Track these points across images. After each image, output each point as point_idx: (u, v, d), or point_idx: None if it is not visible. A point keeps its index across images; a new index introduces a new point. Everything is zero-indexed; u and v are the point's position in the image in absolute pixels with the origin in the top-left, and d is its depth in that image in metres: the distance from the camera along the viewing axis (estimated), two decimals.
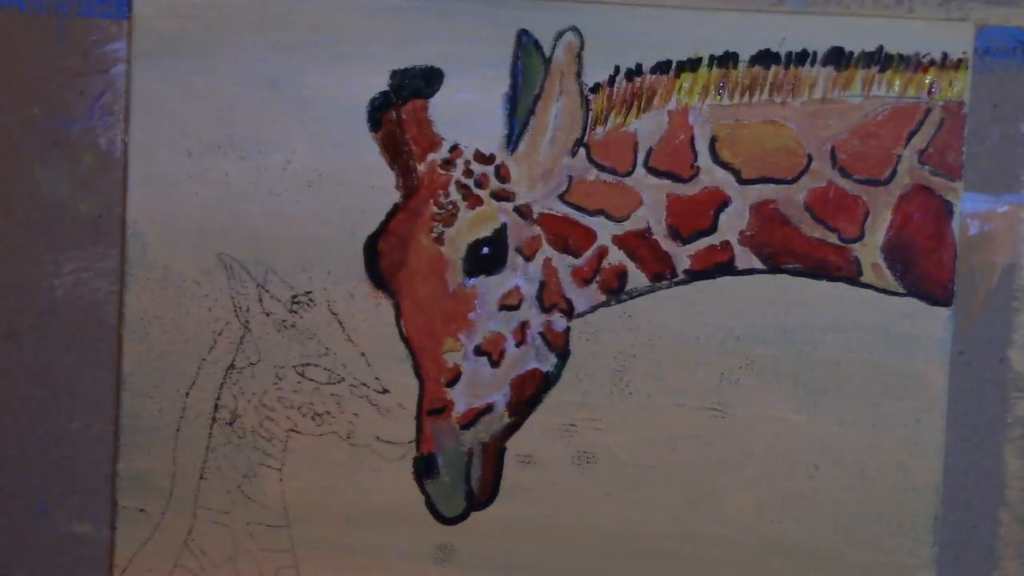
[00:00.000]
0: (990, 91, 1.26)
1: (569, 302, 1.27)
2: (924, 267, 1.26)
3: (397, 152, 1.27)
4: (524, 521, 1.29)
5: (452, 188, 1.26)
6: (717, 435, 1.28)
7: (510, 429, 1.28)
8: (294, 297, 1.28)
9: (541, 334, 1.27)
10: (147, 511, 1.30)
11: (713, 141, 1.26)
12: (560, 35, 1.25)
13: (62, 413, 1.31)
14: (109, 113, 1.29)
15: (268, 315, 1.28)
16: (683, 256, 1.27)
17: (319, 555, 1.30)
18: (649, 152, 1.26)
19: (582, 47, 1.25)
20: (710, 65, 1.25)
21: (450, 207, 1.27)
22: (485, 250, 1.26)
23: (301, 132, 1.27)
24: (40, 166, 1.29)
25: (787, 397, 1.27)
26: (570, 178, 1.26)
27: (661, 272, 1.27)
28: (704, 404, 1.28)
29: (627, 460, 1.28)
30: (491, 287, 1.27)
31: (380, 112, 1.27)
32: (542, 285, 1.27)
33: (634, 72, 1.26)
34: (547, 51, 1.25)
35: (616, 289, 1.27)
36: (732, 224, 1.26)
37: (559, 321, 1.27)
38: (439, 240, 1.27)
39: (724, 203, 1.26)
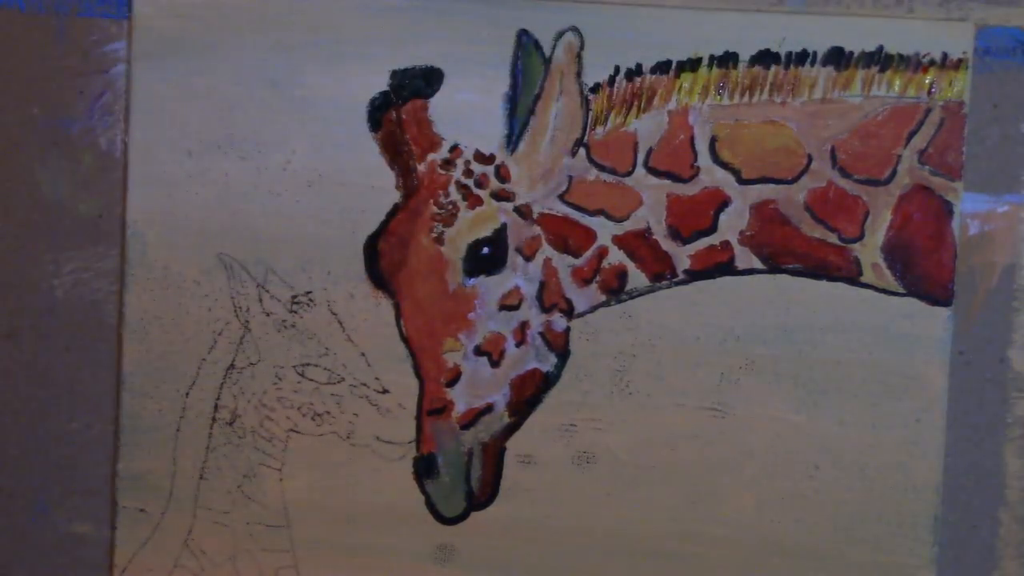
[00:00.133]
0: (990, 91, 1.26)
1: (569, 302, 1.27)
2: (924, 267, 1.26)
3: (397, 152, 1.27)
4: (524, 521, 1.29)
5: (452, 188, 1.26)
6: (717, 435, 1.28)
7: (510, 429, 1.28)
8: (294, 297, 1.28)
9: (541, 334, 1.27)
10: (147, 511, 1.30)
11: (713, 141, 1.26)
12: (560, 35, 1.25)
13: (62, 413, 1.31)
14: (109, 113, 1.29)
15: (268, 315, 1.28)
16: (683, 256, 1.27)
17: (319, 555, 1.30)
18: (649, 152, 1.26)
19: (582, 47, 1.25)
20: (710, 65, 1.25)
21: (450, 207, 1.27)
22: (485, 250, 1.26)
23: (301, 132, 1.27)
24: (40, 166, 1.29)
25: (787, 397, 1.27)
26: (570, 178, 1.26)
27: (661, 272, 1.27)
28: (704, 404, 1.28)
29: (627, 460, 1.28)
30: (491, 287, 1.27)
31: (380, 112, 1.27)
32: (542, 285, 1.27)
33: (634, 72, 1.26)
34: (547, 51, 1.25)
35: (616, 289, 1.27)
36: (732, 224, 1.26)
37: (559, 321, 1.27)
38: (439, 240, 1.27)
39: (724, 203, 1.26)
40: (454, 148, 1.27)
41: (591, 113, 1.26)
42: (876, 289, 1.26)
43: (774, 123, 1.26)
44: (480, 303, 1.27)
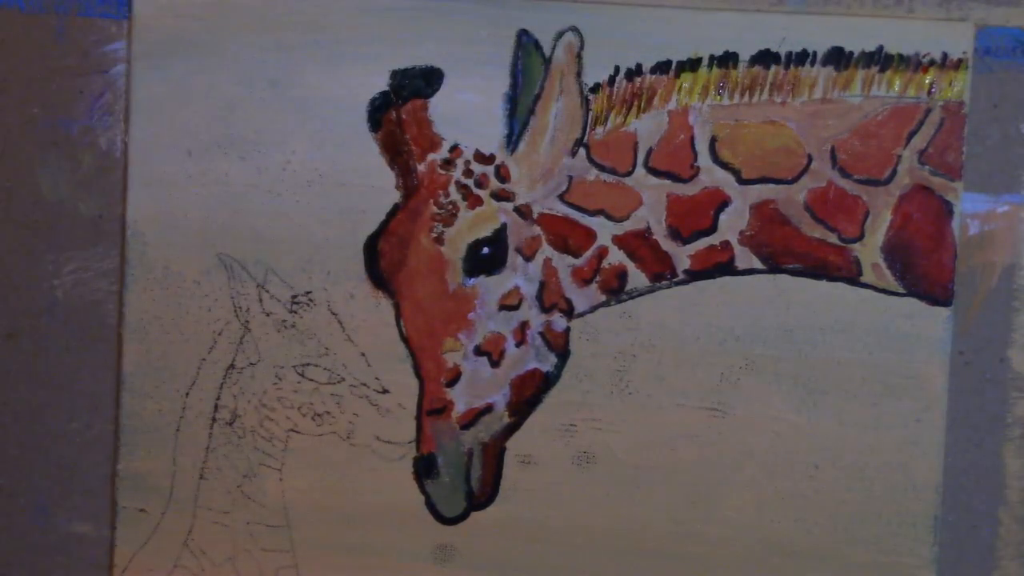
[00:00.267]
0: (990, 91, 1.26)
1: (569, 302, 1.27)
2: (924, 267, 1.26)
3: (397, 152, 1.27)
4: (524, 521, 1.29)
5: (452, 188, 1.26)
6: (717, 435, 1.28)
7: (510, 429, 1.28)
8: (294, 297, 1.28)
9: (541, 334, 1.27)
10: (147, 511, 1.30)
11: (713, 141, 1.26)
12: (560, 35, 1.25)
13: (62, 413, 1.31)
14: (109, 113, 1.29)
15: (268, 315, 1.28)
16: (683, 256, 1.27)
17: (319, 555, 1.30)
18: (649, 152, 1.26)
19: (582, 47, 1.25)
20: (710, 65, 1.25)
21: (450, 207, 1.27)
22: (485, 250, 1.26)
23: (301, 132, 1.27)
24: (40, 166, 1.29)
25: (787, 397, 1.27)
26: (570, 178, 1.26)
27: (661, 272, 1.27)
28: (704, 404, 1.28)
29: (627, 460, 1.28)
30: (491, 287, 1.27)
31: (380, 112, 1.27)
32: (542, 285, 1.27)
33: (634, 72, 1.26)
34: (547, 51, 1.25)
35: (616, 289, 1.27)
36: (732, 224, 1.26)
37: (559, 321, 1.27)
38: (439, 240, 1.27)
39: (724, 203, 1.26)
40: (454, 148, 1.27)
41: (591, 113, 1.26)
42: (876, 289, 1.26)
43: (774, 123, 1.26)
44: (480, 303, 1.27)
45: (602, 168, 1.26)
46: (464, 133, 1.26)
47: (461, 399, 1.27)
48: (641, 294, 1.27)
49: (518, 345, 1.27)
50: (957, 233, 1.26)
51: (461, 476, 1.28)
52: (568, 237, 1.27)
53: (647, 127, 1.26)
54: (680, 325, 1.27)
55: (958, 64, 1.25)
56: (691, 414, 1.28)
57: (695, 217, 1.26)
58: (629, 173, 1.26)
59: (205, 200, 1.28)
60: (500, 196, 1.26)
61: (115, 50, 1.28)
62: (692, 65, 1.25)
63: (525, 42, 1.25)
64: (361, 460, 1.29)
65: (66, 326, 1.30)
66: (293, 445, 1.29)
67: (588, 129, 1.26)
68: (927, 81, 1.25)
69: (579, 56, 1.25)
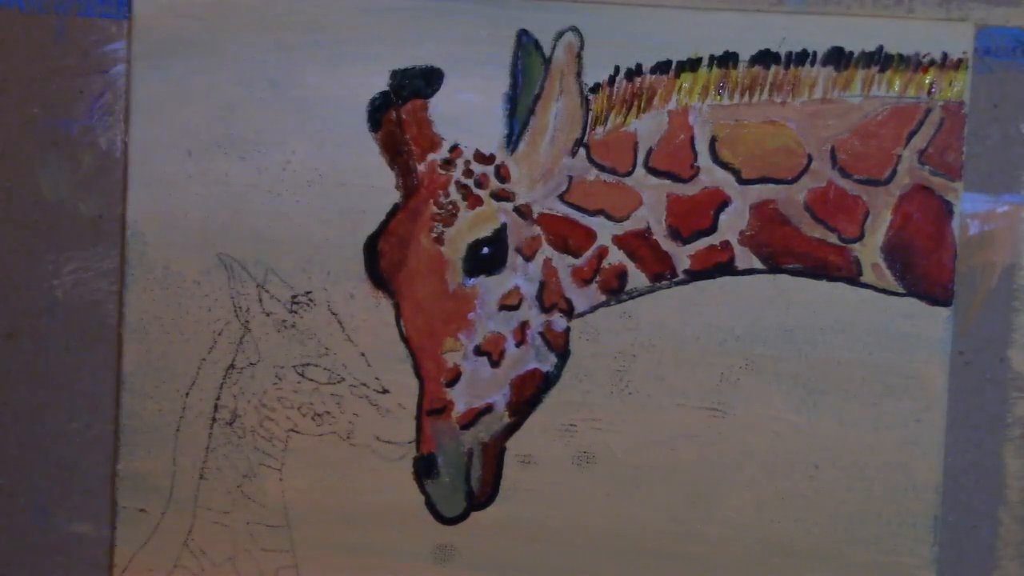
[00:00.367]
0: (990, 91, 1.26)
1: (569, 302, 1.27)
2: (924, 267, 1.26)
3: (397, 152, 1.27)
4: (524, 521, 1.29)
5: (452, 188, 1.26)
6: (717, 435, 1.28)
7: (510, 429, 1.28)
8: (294, 297, 1.28)
9: (541, 334, 1.27)
10: (147, 511, 1.30)
11: (713, 141, 1.26)
12: (560, 35, 1.25)
13: (62, 413, 1.31)
14: (109, 113, 1.29)
15: (268, 315, 1.28)
16: (683, 256, 1.27)
17: (319, 555, 1.30)
18: (649, 152, 1.26)
19: (582, 47, 1.25)
20: (710, 65, 1.25)
21: (450, 207, 1.27)
22: (485, 250, 1.26)
23: (301, 132, 1.27)
24: (40, 166, 1.29)
25: (787, 397, 1.27)
26: (570, 178, 1.26)
27: (661, 272, 1.27)
28: (704, 404, 1.28)
29: (627, 460, 1.28)
30: (491, 287, 1.27)
31: (380, 112, 1.27)
32: (542, 285, 1.27)
33: (634, 72, 1.26)
34: (547, 51, 1.25)
35: (616, 289, 1.27)
36: (732, 224, 1.26)
37: (559, 321, 1.27)
38: (439, 240, 1.27)
39: (724, 203, 1.26)
40: (454, 148, 1.27)
41: (591, 113, 1.26)
42: (876, 289, 1.26)
43: (774, 123, 1.26)
44: (480, 303, 1.27)
45: (602, 168, 1.26)
46: (464, 133, 1.26)
47: (461, 399, 1.27)
48: (641, 294, 1.27)
49: (518, 345, 1.27)
50: (957, 233, 1.26)
51: (461, 476, 1.28)
52: (568, 237, 1.27)
53: (647, 127, 1.26)
54: (680, 325, 1.27)
55: (958, 64, 1.25)
56: (691, 414, 1.28)
57: (695, 217, 1.26)
58: (629, 173, 1.26)
59: (205, 200, 1.28)
60: (500, 196, 1.26)
61: (115, 50, 1.28)
62: (692, 65, 1.25)
63: (525, 42, 1.25)
64: (361, 460, 1.29)
65: (66, 326, 1.30)
66: (293, 445, 1.29)
67: (588, 129, 1.26)
68: (927, 81, 1.25)
69: (579, 56, 1.25)
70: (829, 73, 1.25)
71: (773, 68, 1.25)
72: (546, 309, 1.27)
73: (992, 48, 1.26)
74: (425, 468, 1.28)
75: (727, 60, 1.25)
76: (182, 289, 1.28)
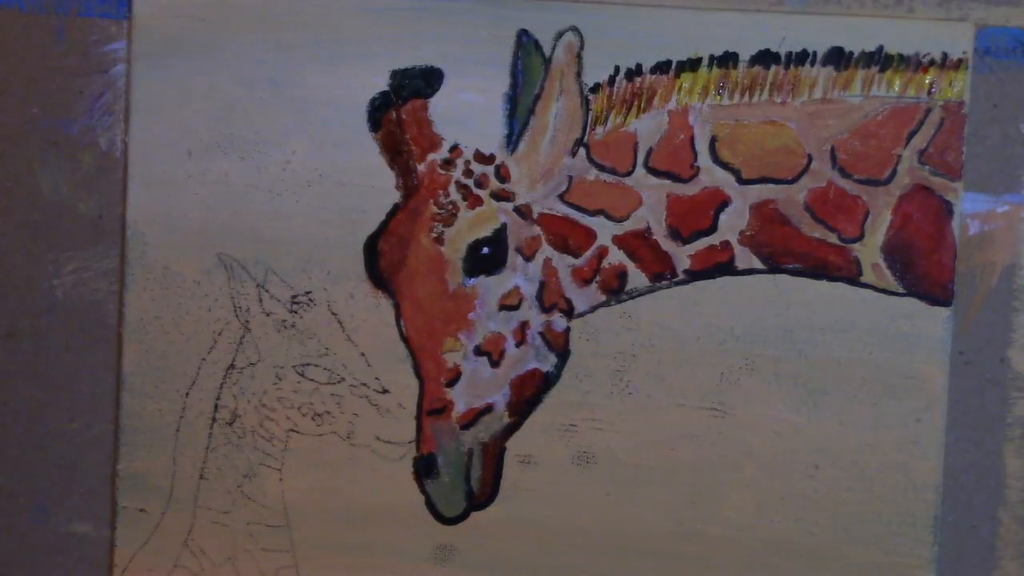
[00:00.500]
0: (990, 91, 1.26)
1: (569, 302, 1.27)
2: (924, 267, 1.26)
3: (397, 152, 1.27)
4: (524, 521, 1.29)
5: (452, 188, 1.26)
6: (717, 435, 1.28)
7: (510, 429, 1.28)
8: (294, 297, 1.28)
9: (541, 334, 1.27)
10: (147, 511, 1.30)
11: (713, 141, 1.26)
12: (560, 35, 1.25)
13: (62, 413, 1.31)
14: (109, 113, 1.29)
15: (268, 315, 1.28)
16: (683, 256, 1.27)
17: (319, 555, 1.30)
18: (649, 152, 1.26)
19: (582, 47, 1.25)
20: (710, 65, 1.25)
21: (450, 207, 1.27)
22: (485, 250, 1.26)
23: (301, 132, 1.27)
24: (40, 166, 1.29)
25: (787, 397, 1.27)
26: (570, 178, 1.26)
27: (661, 272, 1.27)
28: (704, 404, 1.28)
29: (627, 460, 1.28)
30: (491, 287, 1.27)
31: (380, 112, 1.27)
32: (542, 285, 1.27)
33: (634, 72, 1.26)
34: (547, 51, 1.25)
35: (616, 289, 1.27)
36: (732, 224, 1.26)
37: (559, 321, 1.27)
38: (439, 240, 1.27)
39: (724, 203, 1.26)
40: (454, 148, 1.27)
41: (591, 113, 1.26)
42: (876, 289, 1.26)
43: (774, 123, 1.26)
44: (480, 303, 1.27)
45: (602, 168, 1.26)
46: (464, 133, 1.26)
47: (461, 399, 1.27)
48: (641, 294, 1.27)
49: (518, 345, 1.27)
50: (957, 233, 1.26)
51: (461, 476, 1.28)
52: (568, 237, 1.27)
53: (647, 127, 1.26)
54: (680, 325, 1.27)
55: (958, 64, 1.25)
56: (691, 414, 1.28)
57: (695, 217, 1.26)
58: (629, 173, 1.26)
59: (205, 200, 1.28)
60: (500, 196, 1.26)
61: (115, 50, 1.28)
62: (692, 65, 1.25)
63: (525, 42, 1.25)
64: (361, 460, 1.29)
65: (66, 326, 1.30)
66: (293, 445, 1.29)
67: (588, 129, 1.26)
68: (927, 81, 1.25)
69: (579, 56, 1.25)
70: (829, 73, 1.25)
71: (773, 68, 1.25)
72: (546, 309, 1.27)
73: (992, 48, 1.26)
74: (425, 468, 1.28)
75: (727, 60, 1.25)
76: (182, 289, 1.28)
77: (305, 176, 1.27)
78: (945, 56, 1.25)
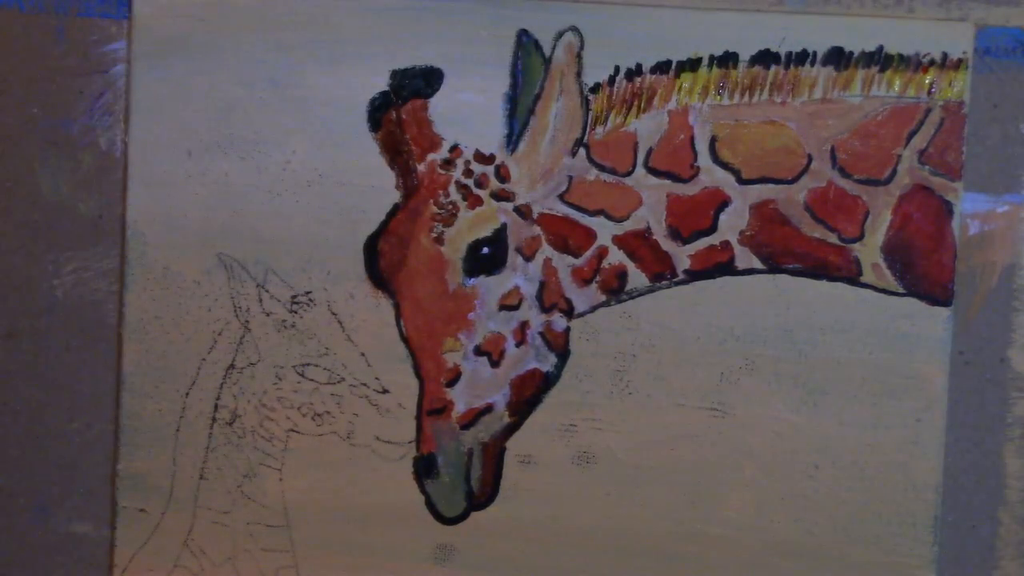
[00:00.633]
0: (990, 91, 1.26)
1: (569, 302, 1.27)
2: (924, 267, 1.26)
3: (397, 152, 1.27)
4: (524, 521, 1.29)
5: (452, 188, 1.26)
6: (717, 435, 1.28)
7: (510, 429, 1.28)
8: (294, 297, 1.28)
9: (541, 334, 1.27)
10: (147, 511, 1.30)
11: (713, 141, 1.26)
12: (560, 35, 1.25)
13: (62, 413, 1.31)
14: (109, 113, 1.29)
15: (268, 315, 1.28)
16: (683, 256, 1.27)
17: (319, 555, 1.30)
18: (649, 152, 1.26)
19: (582, 47, 1.25)
20: (710, 65, 1.25)
21: (450, 207, 1.27)
22: (485, 250, 1.26)
23: (301, 132, 1.27)
24: (40, 166, 1.29)
25: (787, 397, 1.27)
26: (570, 178, 1.26)
27: (661, 272, 1.27)
28: (704, 404, 1.28)
29: (627, 460, 1.28)
30: (491, 287, 1.27)
31: (380, 112, 1.27)
32: (542, 285, 1.27)
33: (634, 72, 1.26)
34: (547, 51, 1.25)
35: (616, 289, 1.27)
36: (732, 224, 1.26)
37: (559, 321, 1.27)
38: (439, 240, 1.27)
39: (724, 203, 1.26)
40: (454, 148, 1.27)
41: (591, 113, 1.26)
42: (876, 289, 1.26)
43: (774, 123, 1.26)
44: (480, 303, 1.27)
45: (602, 168, 1.26)
46: (464, 133, 1.26)
47: (461, 399, 1.27)
48: (641, 294, 1.27)
49: (518, 345, 1.27)
50: (957, 233, 1.26)
51: (461, 476, 1.28)
52: (568, 237, 1.27)
53: (647, 127, 1.26)
54: (680, 325, 1.27)
55: (958, 64, 1.25)
56: (691, 414, 1.28)
57: (695, 217, 1.26)
58: (629, 173, 1.26)
59: (205, 200, 1.28)
60: (500, 196, 1.26)
61: (115, 50, 1.28)
62: (692, 65, 1.25)
63: (525, 42, 1.25)
64: (361, 460, 1.29)
65: (66, 326, 1.30)
66: (293, 445, 1.29)
67: (588, 129, 1.26)
68: (927, 81, 1.25)
69: (579, 56, 1.25)
70: (829, 73, 1.25)
71: (773, 68, 1.25)
72: (546, 309, 1.27)
73: (992, 48, 1.26)
74: (425, 468, 1.28)
75: (727, 60, 1.25)
76: (182, 289, 1.28)
77: (305, 176, 1.27)
78: (945, 56, 1.25)
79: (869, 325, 1.26)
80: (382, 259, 1.27)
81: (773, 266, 1.27)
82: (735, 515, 1.28)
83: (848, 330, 1.27)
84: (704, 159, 1.26)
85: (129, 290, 1.29)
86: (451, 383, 1.27)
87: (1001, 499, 1.29)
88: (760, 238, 1.26)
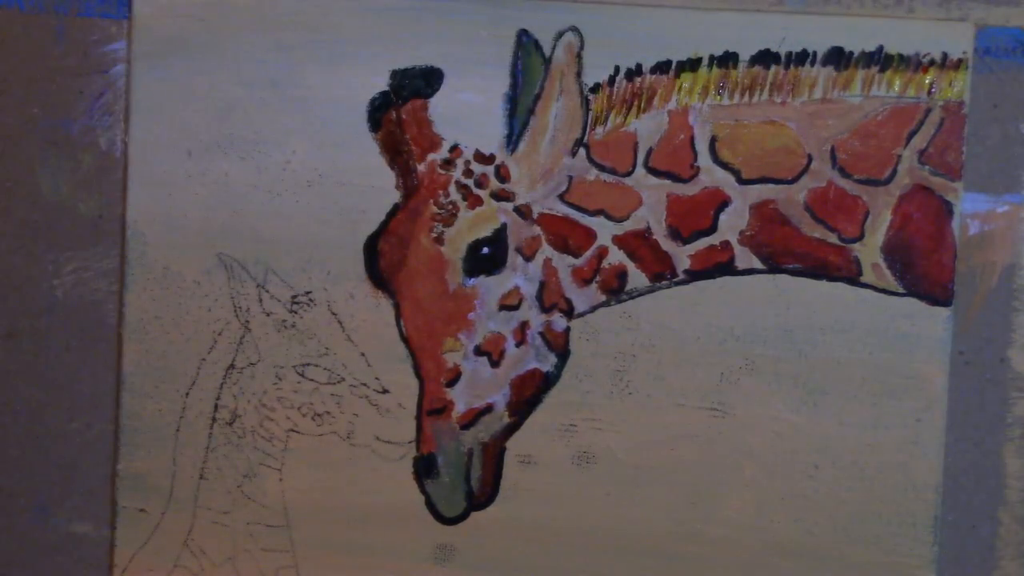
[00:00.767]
0: (990, 91, 1.26)
1: (569, 302, 1.27)
2: (924, 267, 1.26)
3: (397, 152, 1.27)
4: (524, 521, 1.29)
5: (452, 188, 1.26)
6: (717, 435, 1.28)
7: (510, 429, 1.28)
8: (294, 297, 1.28)
9: (541, 334, 1.27)
10: (147, 511, 1.30)
11: (713, 141, 1.26)
12: (560, 35, 1.25)
13: (62, 413, 1.31)
14: (109, 113, 1.29)
15: (268, 315, 1.28)
16: (683, 256, 1.27)
17: (319, 555, 1.30)
18: (649, 152, 1.26)
19: (582, 47, 1.25)
20: (710, 65, 1.25)
21: (450, 207, 1.27)
22: (485, 250, 1.26)
23: (301, 132, 1.27)
24: (40, 166, 1.29)
25: (787, 397, 1.27)
26: (570, 178, 1.26)
27: (661, 272, 1.27)
28: (704, 404, 1.28)
29: (627, 460, 1.28)
30: (491, 287, 1.27)
31: (380, 112, 1.27)
32: (542, 285, 1.27)
33: (634, 72, 1.26)
34: (547, 51, 1.25)
35: (616, 289, 1.27)
36: (732, 224, 1.26)
37: (559, 321, 1.27)
38: (439, 240, 1.27)
39: (724, 203, 1.26)
40: (454, 148, 1.27)
41: (591, 113, 1.26)
42: (876, 289, 1.26)
43: (774, 123, 1.26)
44: (480, 303, 1.27)
45: (602, 168, 1.26)
46: (464, 133, 1.26)
47: (461, 399, 1.27)
48: (641, 294, 1.27)
49: (518, 345, 1.27)
50: (957, 233, 1.26)
51: (461, 476, 1.28)
52: (568, 237, 1.27)
53: (647, 127, 1.26)
54: (680, 325, 1.27)
55: (958, 64, 1.25)
56: (691, 414, 1.28)
57: (695, 217, 1.26)
58: (629, 173, 1.26)
59: (205, 200, 1.28)
60: (500, 196, 1.26)
61: (115, 50, 1.28)
62: (692, 65, 1.25)
63: (525, 42, 1.25)
64: (361, 460, 1.29)
65: (66, 326, 1.30)
66: (293, 445, 1.29)
67: (588, 129, 1.26)
68: (927, 81, 1.25)
69: (579, 56, 1.25)
70: (829, 73, 1.25)
71: (773, 68, 1.25)
72: (546, 309, 1.27)
73: (992, 48, 1.26)
74: (425, 468, 1.28)
75: (727, 60, 1.25)
76: (182, 289, 1.28)
77: (305, 176, 1.27)
78: (945, 56, 1.25)
79: (869, 325, 1.26)
80: (382, 259, 1.27)
81: (773, 266, 1.27)
82: (735, 515, 1.28)
83: (848, 330, 1.27)
84: (704, 159, 1.26)
85: (129, 290, 1.29)
86: (451, 383, 1.27)
87: (1001, 499, 1.29)
88: (760, 238, 1.26)
